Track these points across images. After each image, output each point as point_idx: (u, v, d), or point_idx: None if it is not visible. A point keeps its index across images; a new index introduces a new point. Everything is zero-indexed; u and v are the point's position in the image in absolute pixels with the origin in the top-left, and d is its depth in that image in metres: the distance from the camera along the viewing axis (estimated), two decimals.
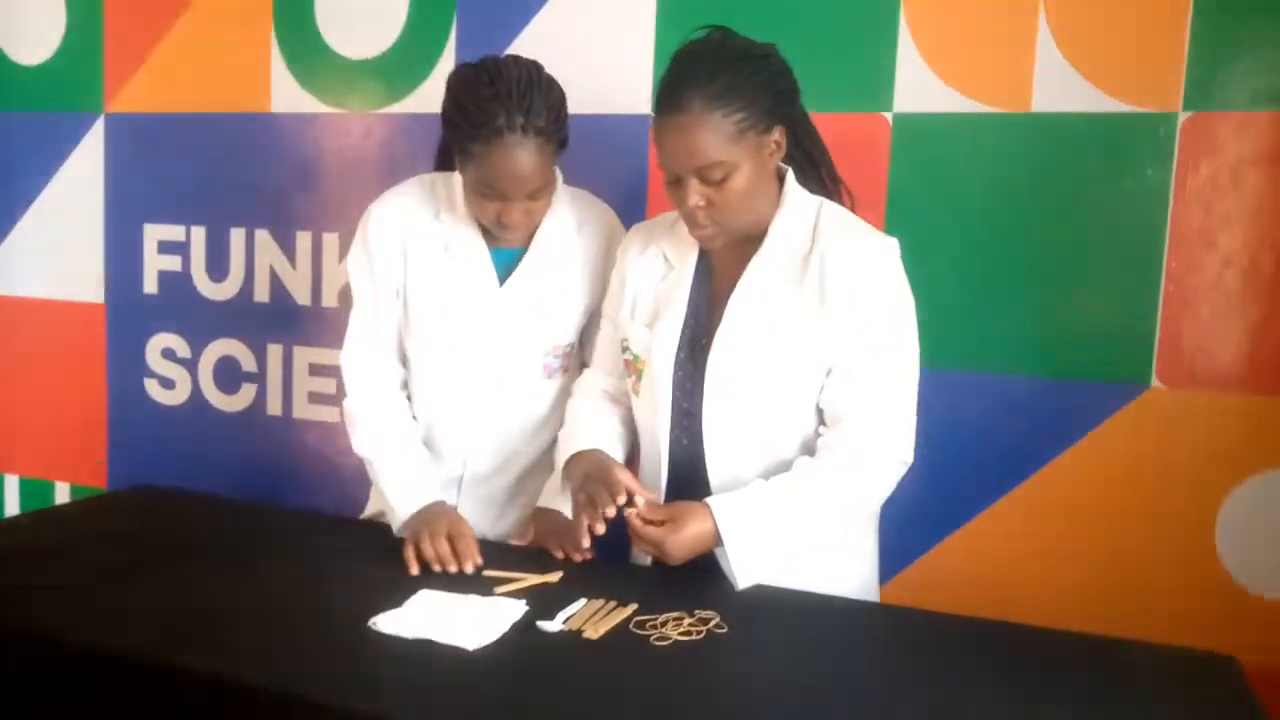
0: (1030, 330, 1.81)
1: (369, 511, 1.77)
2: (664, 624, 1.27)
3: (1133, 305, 1.76)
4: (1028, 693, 1.13)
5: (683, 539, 1.36)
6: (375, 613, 1.26)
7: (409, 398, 1.69)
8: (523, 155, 1.46)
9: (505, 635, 1.22)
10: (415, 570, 1.44)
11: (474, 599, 1.33)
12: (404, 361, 1.68)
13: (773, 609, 1.35)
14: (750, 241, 1.45)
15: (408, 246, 1.62)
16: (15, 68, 2.57)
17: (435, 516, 1.52)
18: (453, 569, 1.43)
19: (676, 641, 1.22)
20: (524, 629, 1.25)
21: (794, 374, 1.41)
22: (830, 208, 1.47)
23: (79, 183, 2.53)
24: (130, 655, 1.16)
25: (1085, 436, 1.80)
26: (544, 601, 1.33)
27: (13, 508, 2.72)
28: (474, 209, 1.56)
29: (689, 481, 1.47)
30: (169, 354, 2.49)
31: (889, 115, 1.86)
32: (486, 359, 1.64)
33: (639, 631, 1.25)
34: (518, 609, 1.30)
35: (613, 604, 1.33)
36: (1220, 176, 1.70)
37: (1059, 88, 1.75)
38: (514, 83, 1.46)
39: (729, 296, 1.44)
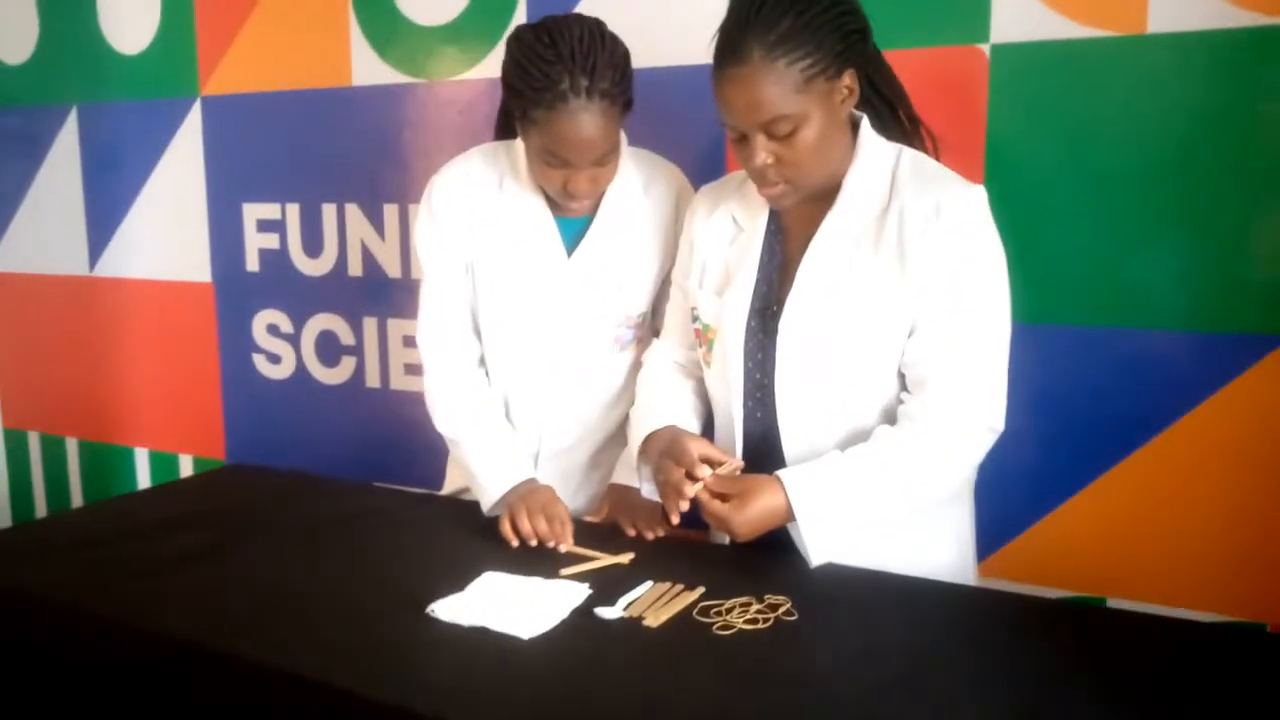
0: (1156, 279, 1.63)
1: (449, 488, 1.76)
2: (730, 610, 1.20)
3: (1272, 246, 1.56)
4: (1138, 693, 1.02)
5: (751, 514, 1.29)
6: (439, 595, 1.24)
7: (487, 373, 1.66)
8: (587, 120, 1.39)
9: (563, 622, 1.18)
10: (515, 543, 1.42)
11: (537, 582, 1.29)
12: (479, 335, 1.65)
13: (851, 593, 1.27)
14: (824, 197, 1.34)
15: (473, 218, 1.58)
16: (119, 57, 2.65)
17: (530, 493, 1.50)
18: (550, 545, 1.41)
19: (740, 630, 1.16)
20: (583, 615, 1.20)
21: (871, 339, 1.31)
22: (909, 156, 1.34)
23: (181, 166, 2.60)
24: (182, 641, 1.17)
25: (1216, 394, 1.62)
26: (609, 584, 1.28)
27: (144, 479, 2.87)
28: (538, 177, 1.50)
29: (765, 455, 1.39)
30: (273, 330, 2.55)
31: (986, 47, 1.69)
32: (557, 332, 1.59)
33: (702, 619, 1.19)
34: (580, 593, 1.25)
35: (680, 587, 1.27)
36: None
37: (1177, 3, 1.55)
38: (575, 43, 1.38)
39: (801, 259, 1.34)
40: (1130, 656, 1.09)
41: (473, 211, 1.58)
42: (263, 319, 2.56)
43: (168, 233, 2.68)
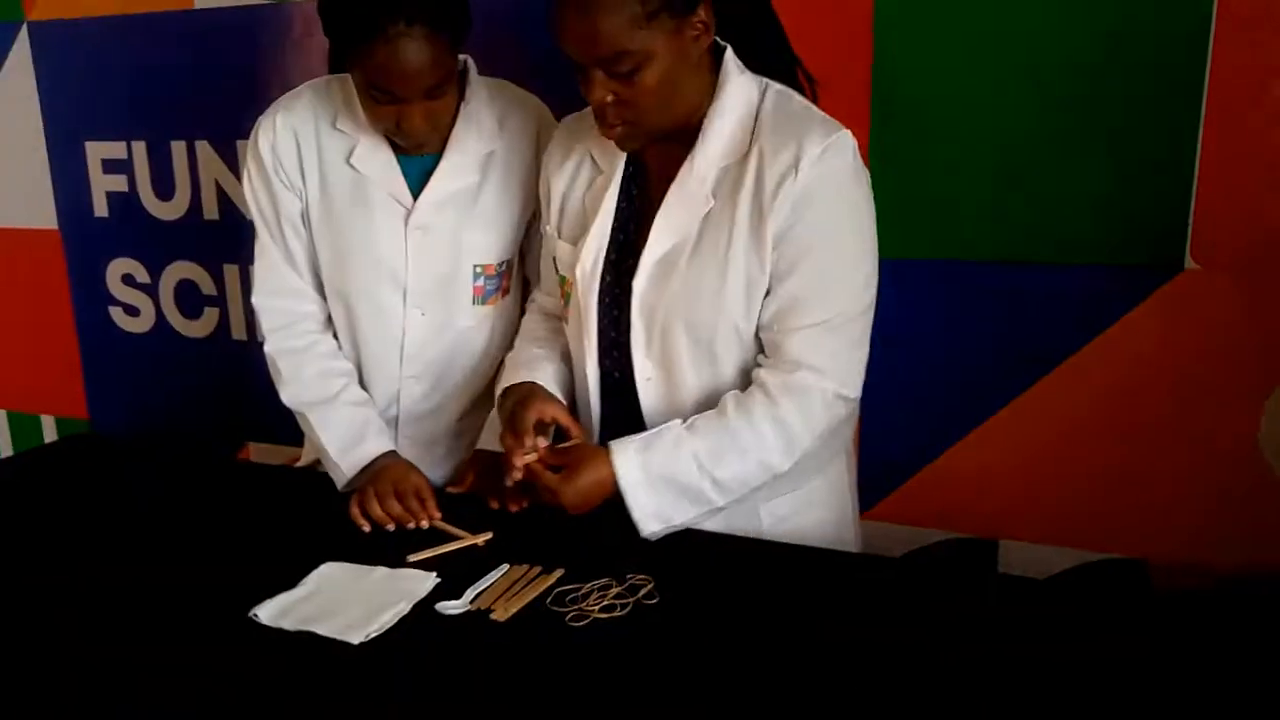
0: (1044, 210, 1.55)
1: (306, 460, 1.63)
2: (587, 596, 1.11)
3: (1163, 173, 1.48)
4: (1024, 649, 0.96)
5: (580, 485, 1.20)
6: (271, 591, 1.12)
7: (335, 334, 1.51)
8: (410, 48, 1.23)
9: (402, 621, 1.07)
10: (367, 528, 1.31)
11: (380, 574, 1.18)
12: (321, 294, 1.50)
13: (720, 565, 1.18)
14: (685, 138, 1.21)
15: (304, 162, 1.42)
16: None
17: (382, 470, 1.38)
18: (410, 525, 1.29)
19: (595, 620, 1.06)
20: (425, 610, 1.09)
21: (727, 299, 1.20)
22: (774, 93, 1.22)
23: (13, 100, 2.35)
24: None
25: (1107, 330, 1.56)
26: (462, 570, 1.18)
27: (4, 443, 2.67)
28: (369, 116, 1.34)
29: (624, 418, 1.29)
30: (129, 280, 2.35)
31: None
32: (406, 285, 1.45)
33: (556, 608, 1.09)
34: (425, 584, 1.15)
35: (536, 571, 1.17)
36: (1273, 11, 1.39)
37: None
38: None
39: (655, 215, 1.22)
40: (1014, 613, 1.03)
41: (303, 155, 1.42)
42: (117, 268, 2.35)
43: (5, 175, 2.43)
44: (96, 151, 2.29)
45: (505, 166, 1.45)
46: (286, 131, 1.41)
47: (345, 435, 1.43)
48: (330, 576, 1.17)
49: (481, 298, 1.49)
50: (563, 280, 1.32)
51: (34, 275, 2.46)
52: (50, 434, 2.61)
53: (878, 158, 1.55)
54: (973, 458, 1.68)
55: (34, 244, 2.44)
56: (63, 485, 1.53)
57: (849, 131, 1.17)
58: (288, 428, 1.56)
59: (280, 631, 1.06)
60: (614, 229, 1.26)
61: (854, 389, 1.22)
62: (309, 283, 1.48)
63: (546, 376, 1.35)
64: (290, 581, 1.15)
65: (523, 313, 1.54)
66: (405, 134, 1.32)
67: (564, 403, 1.33)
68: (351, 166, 1.41)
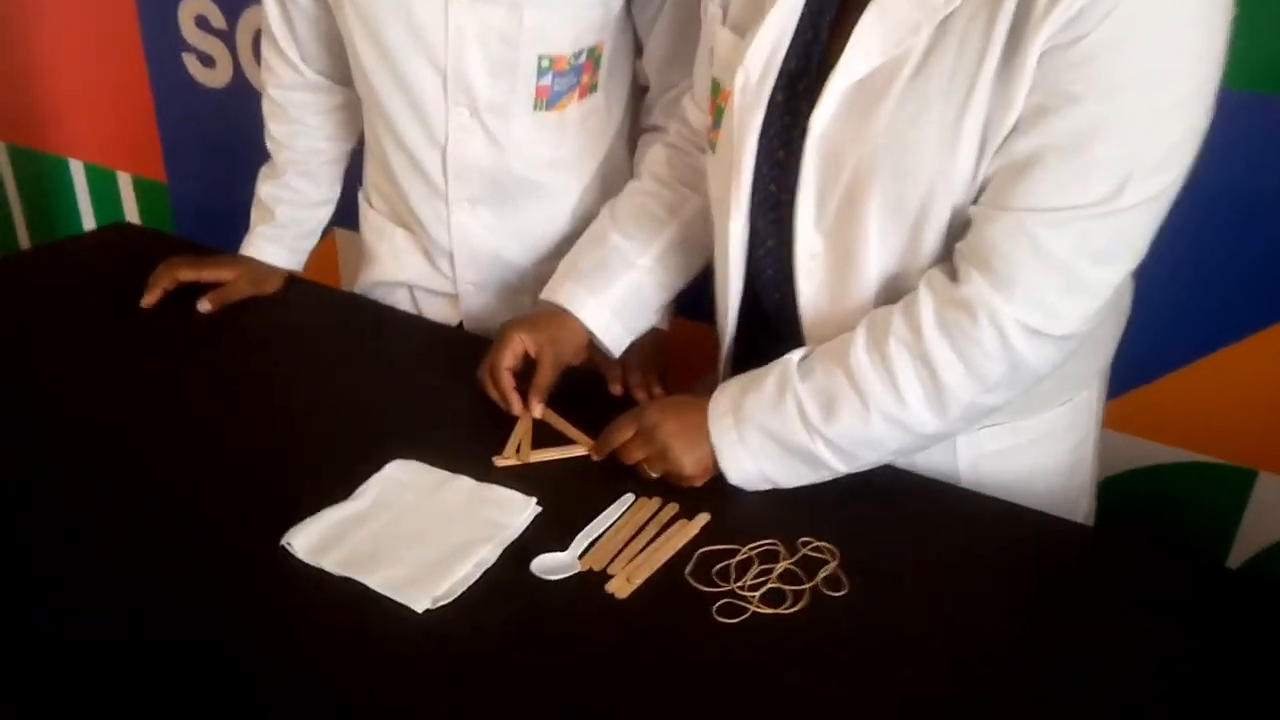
0: None
1: (373, 278, 1.30)
2: (745, 569, 0.78)
3: None
4: None
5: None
6: (326, 488, 0.83)
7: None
8: None
9: (479, 583, 0.76)
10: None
11: (462, 487, 0.87)
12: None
13: (934, 521, 0.84)
14: None
15: None
16: None
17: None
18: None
19: (755, 614, 0.74)
20: (511, 568, 0.78)
21: (960, 154, 0.76)
22: None
23: None
24: None
25: None
26: (567, 490, 0.86)
27: (83, 195, 2.44)
28: None
29: (779, 311, 0.91)
30: (203, 23, 1.99)
31: None
32: (446, 71, 1.05)
33: (700, 585, 0.77)
34: (520, 515, 0.83)
35: (672, 511, 0.85)
36: None
37: None
38: None
39: (864, 8, 0.77)
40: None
41: None
42: (189, 9, 1.99)
43: None
44: None
45: None
46: None
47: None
48: (395, 486, 0.86)
49: (547, 101, 1.08)
50: (716, 88, 0.91)
51: (105, 21, 2.12)
52: (128, 193, 2.36)
53: None
54: (1236, 371, 1.27)
55: None
56: (97, 281, 1.25)
57: None
58: None
59: (319, 572, 0.77)
60: (799, 28, 0.83)
61: (1073, 323, 0.78)
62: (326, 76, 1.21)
63: (621, 291, 1.03)
64: (344, 482, 0.85)
65: (637, 129, 1.16)
66: None
67: (618, 350, 1.04)
68: None
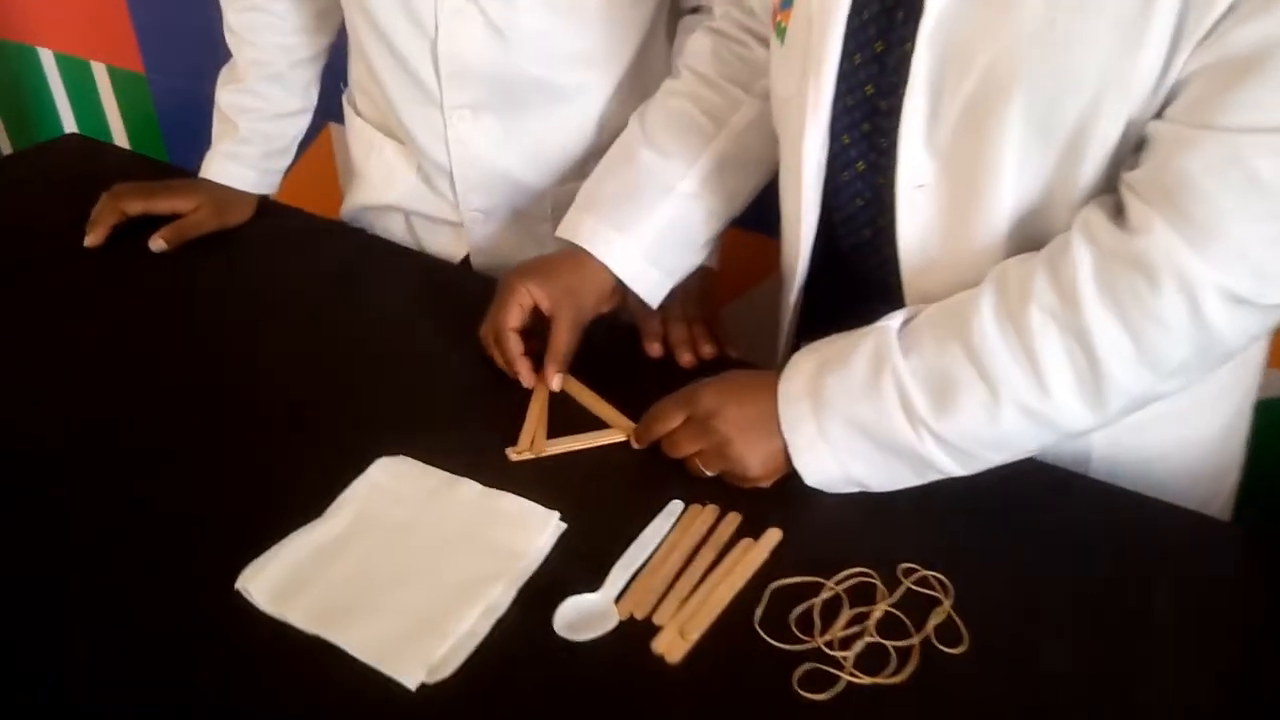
0: None
1: (363, 200, 1.09)
2: (831, 608, 0.60)
3: None
4: None
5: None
6: (301, 502, 0.66)
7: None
8: None
9: (488, 644, 0.59)
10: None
11: (466, 494, 0.68)
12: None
13: (1072, 530, 0.65)
14: None
15: None
16: None
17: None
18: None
19: (850, 685, 0.56)
20: (530, 618, 0.60)
21: (1146, 56, 0.54)
22: None
23: None
24: None
25: None
26: (597, 493, 0.68)
27: (56, 84, 2.22)
28: None
29: (865, 266, 0.71)
30: None
31: None
32: None
33: (776, 641, 0.59)
34: (540, 535, 0.65)
35: (734, 525, 0.66)
36: None
37: None
38: None
39: None
40: None
41: None
42: None
43: None
44: None
45: None
46: None
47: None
48: (380, 498, 0.68)
49: None
50: None
51: None
52: (104, 85, 2.14)
53: None
54: None
55: None
56: (33, 210, 1.06)
57: None
58: None
59: (282, 626, 0.60)
60: None
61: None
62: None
63: (657, 226, 0.80)
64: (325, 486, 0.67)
65: (677, 11, 0.94)
66: None
67: (656, 300, 0.82)
68: None
